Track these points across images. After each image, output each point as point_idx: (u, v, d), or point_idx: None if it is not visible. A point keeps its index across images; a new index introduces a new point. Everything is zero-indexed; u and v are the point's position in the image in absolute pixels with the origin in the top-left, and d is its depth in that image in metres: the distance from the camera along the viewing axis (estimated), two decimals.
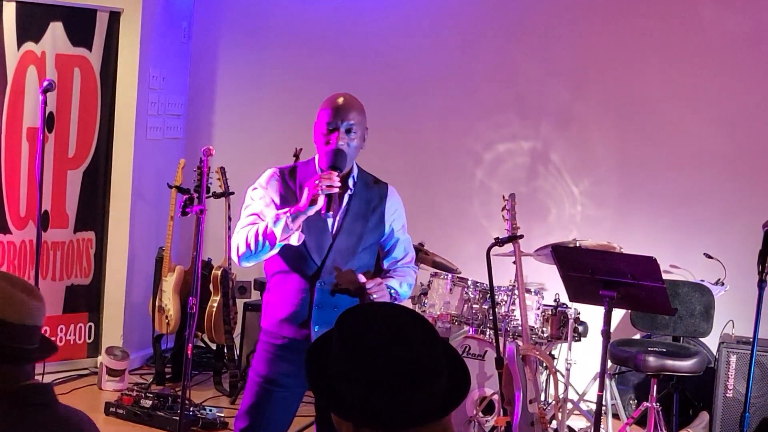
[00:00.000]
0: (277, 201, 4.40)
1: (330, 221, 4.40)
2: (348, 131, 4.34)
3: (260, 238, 4.27)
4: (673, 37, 7.87)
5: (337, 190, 4.22)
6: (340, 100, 4.40)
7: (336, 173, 4.23)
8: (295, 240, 4.27)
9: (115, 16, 7.99)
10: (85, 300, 8.09)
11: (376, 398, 2.24)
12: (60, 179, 7.84)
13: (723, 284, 7.38)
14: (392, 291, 4.46)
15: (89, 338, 8.12)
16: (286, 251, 4.39)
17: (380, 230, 4.53)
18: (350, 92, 4.24)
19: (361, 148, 4.45)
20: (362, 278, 4.34)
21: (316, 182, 4.19)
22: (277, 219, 4.24)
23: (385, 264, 4.64)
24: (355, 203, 4.44)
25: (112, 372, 7.69)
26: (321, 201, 4.19)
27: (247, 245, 4.31)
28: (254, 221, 4.38)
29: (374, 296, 4.27)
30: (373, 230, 4.49)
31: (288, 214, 4.22)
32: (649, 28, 7.91)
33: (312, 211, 4.21)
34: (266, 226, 4.27)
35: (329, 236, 4.41)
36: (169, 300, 7.71)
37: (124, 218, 8.08)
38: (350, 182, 4.45)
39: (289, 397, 4.49)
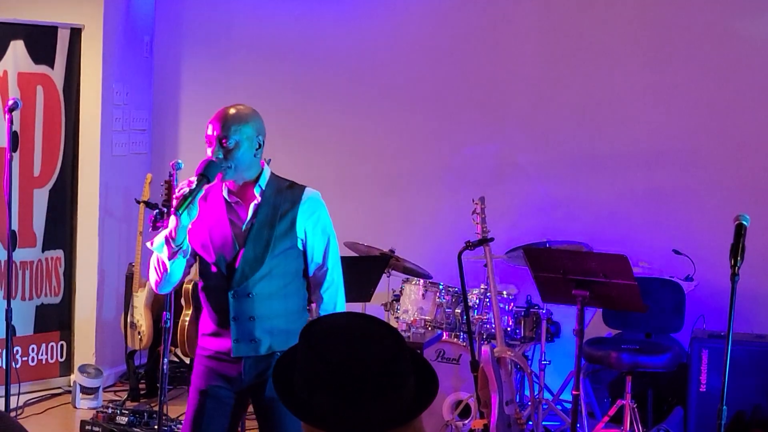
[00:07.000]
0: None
1: (236, 232, 4.41)
2: (221, 143, 4.37)
3: (159, 263, 4.39)
4: (637, 35, 7.91)
5: (186, 191, 4.23)
6: (222, 112, 4.50)
7: (196, 180, 4.26)
8: (181, 254, 4.33)
9: (76, 33, 7.95)
10: (56, 319, 8.04)
11: (345, 406, 2.26)
12: (26, 198, 7.77)
13: (692, 279, 7.42)
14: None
15: (61, 357, 8.07)
16: (203, 267, 4.51)
17: (292, 235, 4.46)
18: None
19: (256, 156, 4.44)
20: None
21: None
22: (161, 241, 4.33)
23: (310, 269, 4.58)
24: (262, 211, 4.41)
25: (86, 390, 7.65)
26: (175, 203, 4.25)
27: (156, 272, 4.41)
28: None
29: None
30: (282, 237, 4.44)
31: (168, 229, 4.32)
32: (612, 27, 7.95)
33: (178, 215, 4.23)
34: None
35: (236, 246, 4.42)
36: (141, 316, 7.68)
37: (93, 235, 8.05)
38: (257, 191, 4.45)
39: (221, 407, 4.50)
